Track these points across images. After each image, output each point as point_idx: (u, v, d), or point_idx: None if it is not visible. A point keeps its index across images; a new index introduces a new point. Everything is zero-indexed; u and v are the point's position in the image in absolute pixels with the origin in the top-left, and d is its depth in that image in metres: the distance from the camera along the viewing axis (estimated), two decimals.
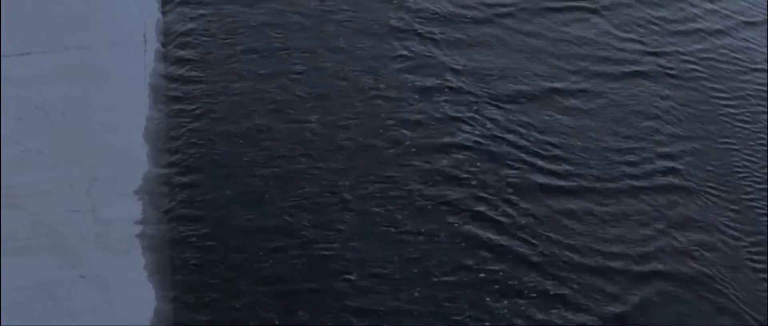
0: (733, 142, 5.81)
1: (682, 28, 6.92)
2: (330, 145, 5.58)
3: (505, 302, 4.62)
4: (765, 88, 6.31)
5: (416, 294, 4.67)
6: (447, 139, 5.65)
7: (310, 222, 5.02)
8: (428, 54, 6.45)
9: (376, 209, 5.13)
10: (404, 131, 5.71)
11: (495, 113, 5.88)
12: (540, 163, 5.51)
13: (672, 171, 5.52)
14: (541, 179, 5.40)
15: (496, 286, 4.71)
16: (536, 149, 5.61)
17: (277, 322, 4.48)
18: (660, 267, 4.85)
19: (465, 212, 5.15)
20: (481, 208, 5.16)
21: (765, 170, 5.56)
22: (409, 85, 6.13)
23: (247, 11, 6.78)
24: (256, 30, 6.58)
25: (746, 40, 6.87)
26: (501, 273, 4.77)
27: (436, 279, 4.73)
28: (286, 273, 4.73)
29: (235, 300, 4.57)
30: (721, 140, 5.82)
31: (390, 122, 5.79)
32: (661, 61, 6.49)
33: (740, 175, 5.53)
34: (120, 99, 5.87)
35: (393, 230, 5.02)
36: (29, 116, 5.68)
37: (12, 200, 5.12)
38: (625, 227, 5.13)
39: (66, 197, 5.13)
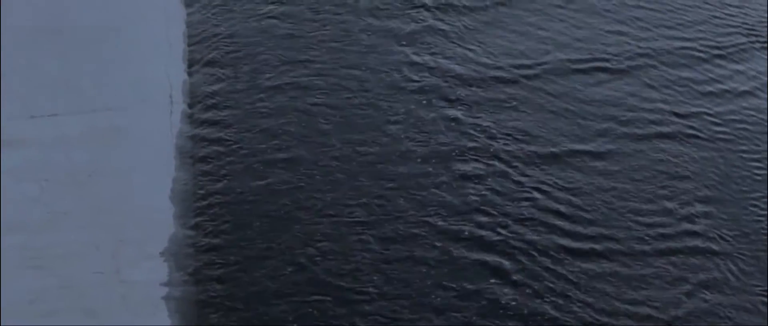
0: (760, 204, 5.87)
1: (709, 88, 7.00)
2: (358, 211, 5.69)
3: None
4: None
5: None
6: (471, 199, 5.75)
7: (340, 283, 5.12)
8: (453, 113, 6.57)
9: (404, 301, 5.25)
10: (428, 190, 5.82)
11: (520, 173, 5.98)
12: (565, 224, 5.60)
13: (698, 233, 5.58)
14: (566, 240, 5.48)
15: None
16: (561, 210, 5.70)
17: None
18: None
19: (488, 271, 5.23)
20: (505, 268, 5.24)
21: None
22: (434, 143, 6.25)
23: (272, 71, 6.93)
24: (280, 91, 6.72)
25: None
26: None
27: None
28: None
29: None
30: (747, 202, 5.88)
31: (413, 182, 5.90)
32: (687, 121, 6.57)
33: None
34: (146, 160, 6.03)
35: (414, 294, 5.13)
36: (56, 178, 5.83)
37: (37, 262, 5.25)
38: (651, 289, 5.20)
39: (92, 259, 5.26)
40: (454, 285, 5.14)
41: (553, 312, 4.96)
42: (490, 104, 6.69)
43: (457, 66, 7.09)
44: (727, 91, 7.03)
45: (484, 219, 5.60)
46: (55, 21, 7.29)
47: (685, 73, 7.15)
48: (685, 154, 6.27)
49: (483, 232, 5.50)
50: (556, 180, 5.94)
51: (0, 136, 6.09)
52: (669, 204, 5.81)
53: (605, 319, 4.95)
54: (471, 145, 6.24)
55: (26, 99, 6.48)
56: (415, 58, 7.10)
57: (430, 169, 6.00)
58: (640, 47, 7.33)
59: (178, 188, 5.80)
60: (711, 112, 6.71)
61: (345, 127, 6.38)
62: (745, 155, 6.32)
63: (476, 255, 5.34)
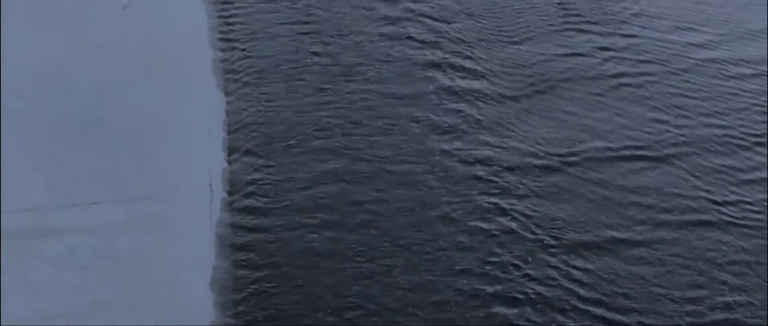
0: None
1: (748, 176, 7.10)
2: (408, 298, 5.85)
3: None
4: None
5: None
6: (510, 286, 5.88)
7: None
8: (493, 201, 6.71)
9: None
10: (468, 277, 5.96)
11: (560, 261, 6.11)
12: (605, 312, 5.70)
13: (737, 322, 5.66)
14: None
15: None
16: (602, 298, 5.81)
17: None
18: None
19: None
20: None
21: None
22: (474, 230, 6.41)
23: (311, 160, 7.13)
24: (320, 180, 6.91)
25: None
26: None
27: None
28: None
29: None
30: None
31: (453, 270, 6.04)
32: (727, 209, 6.68)
33: None
34: (187, 249, 6.22)
35: None
36: (98, 266, 6.03)
37: None
38: None
39: None
40: None
41: None
42: (530, 192, 6.84)
43: (496, 154, 7.24)
44: (765, 179, 7.11)
45: (523, 306, 5.73)
46: (98, 112, 7.56)
47: (725, 161, 7.26)
48: (725, 242, 6.36)
49: (518, 320, 5.62)
50: (596, 268, 6.06)
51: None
52: (708, 293, 5.89)
53: None
54: (511, 231, 6.39)
55: (68, 188, 6.71)
56: (455, 147, 7.28)
57: (470, 257, 6.15)
58: (679, 135, 7.48)
59: (218, 276, 5.97)
60: (750, 200, 6.81)
61: (388, 217, 6.55)
62: None
63: None
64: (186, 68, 8.16)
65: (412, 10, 9.23)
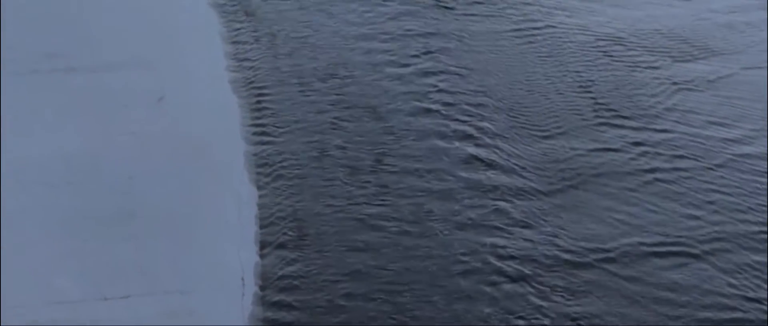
0: None
1: None
2: None
3: None
4: None
5: None
6: None
7: None
8: (525, 296, 6.81)
9: None
10: None
11: None
12: None
13: None
14: None
15: None
16: None
17: None
18: None
19: None
20: None
21: None
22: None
23: (343, 255, 7.26)
24: (353, 275, 7.03)
25: None
26: None
27: None
28: None
29: None
30: None
31: None
32: (762, 307, 6.74)
33: None
34: None
35: None
36: None
37: None
38: None
39: None
40: None
41: None
42: (564, 288, 6.92)
43: (528, 250, 7.34)
44: None
45: None
46: (129, 202, 7.74)
47: (760, 258, 7.32)
48: None
49: None
50: None
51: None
52: None
53: None
54: None
55: (99, 281, 6.86)
56: (487, 243, 7.39)
57: None
58: (714, 231, 7.56)
59: None
60: None
61: (421, 314, 6.65)
62: None
63: None
64: (218, 160, 8.37)
65: (446, 103, 9.43)
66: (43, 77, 9.59)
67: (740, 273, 7.13)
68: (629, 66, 10.17)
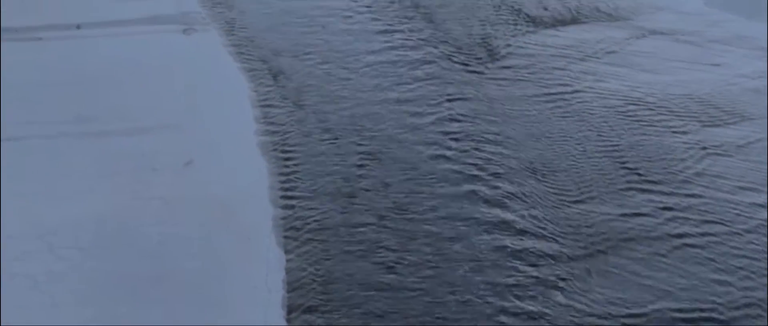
0: None
1: None
2: None
3: None
4: None
5: None
6: None
7: None
8: None
9: None
10: None
11: None
12: None
13: None
14: None
15: None
16: None
17: None
18: None
19: None
20: None
21: None
22: None
23: (373, 321, 7.33)
24: None
25: None
26: None
27: None
28: None
29: None
30: None
31: None
32: None
33: None
34: None
35: None
36: None
37: None
38: None
39: None
40: None
41: None
42: None
43: (558, 315, 7.41)
44: None
45: None
46: (157, 265, 7.88)
47: None
48: None
49: None
50: None
51: None
52: None
53: None
54: None
55: None
56: (517, 308, 7.47)
57: None
58: (743, 297, 7.60)
59: None
60: None
61: None
62: None
63: None
64: (246, 224, 8.50)
65: (475, 166, 9.54)
66: (72, 140, 9.79)
67: None
68: (658, 131, 10.27)
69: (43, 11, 12.86)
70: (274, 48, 12.60)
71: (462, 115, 10.64)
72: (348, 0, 14.69)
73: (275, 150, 9.83)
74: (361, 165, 9.56)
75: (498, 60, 12.06)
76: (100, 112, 10.33)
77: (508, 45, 12.44)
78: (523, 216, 8.66)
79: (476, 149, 9.87)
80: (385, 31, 13.21)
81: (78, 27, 12.42)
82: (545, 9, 13.68)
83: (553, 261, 8.04)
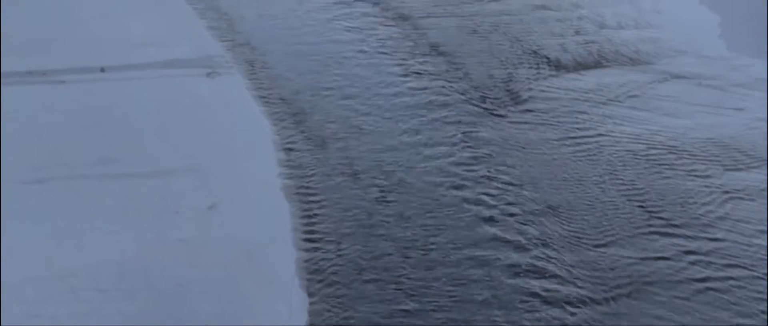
0: None
1: None
2: None
3: None
4: None
5: None
6: None
7: None
8: None
9: None
10: None
11: None
12: None
13: None
14: None
15: None
16: None
17: None
18: None
19: None
20: None
21: None
22: None
23: None
24: None
25: None
26: None
27: None
28: None
29: None
30: None
31: None
32: None
33: None
34: None
35: None
36: None
37: None
38: None
39: None
40: None
41: None
42: None
43: None
44: None
45: None
46: (179, 307, 7.95)
47: None
48: None
49: None
50: None
51: None
52: None
53: None
54: None
55: None
56: None
57: None
58: None
59: None
60: None
61: None
62: None
63: None
64: (269, 267, 8.57)
65: (497, 209, 9.60)
66: (95, 182, 9.88)
67: None
68: (680, 174, 10.31)
69: (68, 54, 12.99)
70: (295, 88, 12.70)
71: (484, 157, 10.70)
72: (363, 37, 14.77)
73: (298, 193, 9.90)
74: (382, 207, 9.63)
75: (520, 103, 12.11)
76: (123, 155, 10.42)
77: (531, 88, 12.50)
78: (544, 259, 8.69)
79: (498, 191, 9.92)
80: (405, 72, 13.29)
81: (102, 70, 12.52)
82: (567, 52, 13.75)
83: (575, 305, 8.07)
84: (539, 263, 8.67)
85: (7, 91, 11.83)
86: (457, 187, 10.05)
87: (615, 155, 10.78)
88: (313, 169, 10.47)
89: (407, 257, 8.77)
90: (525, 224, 9.34)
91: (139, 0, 15.55)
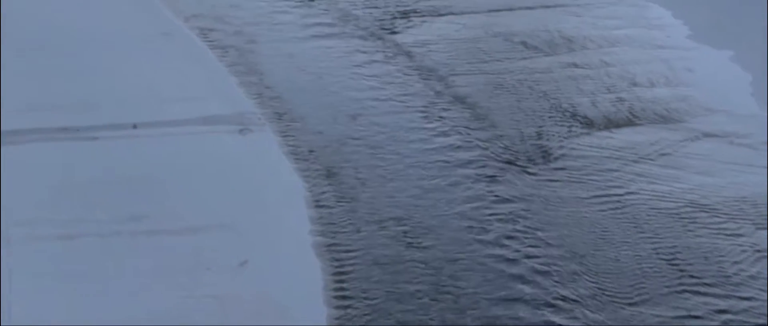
0: None
1: None
2: None
3: None
4: None
5: None
6: None
7: None
8: None
9: None
10: None
11: None
12: None
13: None
14: None
15: None
16: None
17: None
18: None
19: None
20: None
21: None
22: None
23: None
24: None
25: None
26: None
27: None
28: None
29: None
30: None
31: None
32: None
33: None
34: None
35: None
36: None
37: None
38: None
39: None
40: None
41: None
42: None
43: None
44: None
45: None
46: None
47: None
48: None
49: None
50: None
51: None
52: None
53: None
54: None
55: None
56: None
57: None
58: None
59: None
60: None
61: None
62: None
63: None
64: (300, 324, 8.64)
65: (528, 268, 9.65)
66: (126, 239, 10.02)
67: None
68: (712, 233, 10.34)
69: (101, 111, 13.18)
70: (324, 142, 12.78)
71: (517, 215, 10.76)
72: (386, 89, 14.84)
73: (329, 250, 9.99)
74: (413, 266, 9.70)
75: (552, 161, 12.18)
76: (155, 211, 10.56)
77: (562, 146, 12.57)
78: (576, 319, 8.72)
79: (529, 250, 9.98)
80: (434, 128, 13.36)
81: (134, 126, 12.69)
82: (598, 109, 13.83)
83: None
84: (570, 322, 8.70)
85: (40, 147, 12.03)
86: (486, 243, 10.11)
87: (646, 213, 10.82)
88: (344, 227, 10.55)
89: (438, 307, 8.85)
90: (555, 282, 9.39)
91: (169, 56, 15.72)
